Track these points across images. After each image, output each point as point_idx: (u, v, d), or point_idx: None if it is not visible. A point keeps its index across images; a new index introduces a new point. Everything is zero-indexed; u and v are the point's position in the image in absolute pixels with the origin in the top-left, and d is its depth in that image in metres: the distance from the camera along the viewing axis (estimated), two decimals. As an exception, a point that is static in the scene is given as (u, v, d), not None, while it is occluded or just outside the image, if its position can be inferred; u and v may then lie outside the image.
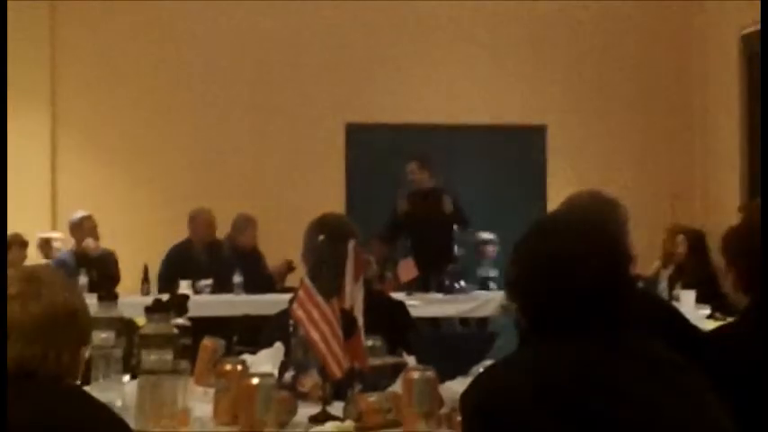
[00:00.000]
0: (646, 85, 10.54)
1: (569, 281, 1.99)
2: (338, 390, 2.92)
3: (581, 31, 10.45)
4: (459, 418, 2.18)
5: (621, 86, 10.51)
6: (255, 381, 2.64)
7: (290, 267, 8.62)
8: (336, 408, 2.84)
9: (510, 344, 3.24)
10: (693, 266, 7.77)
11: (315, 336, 2.82)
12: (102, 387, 2.79)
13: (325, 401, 2.84)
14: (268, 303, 6.30)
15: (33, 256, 8.49)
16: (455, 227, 8.73)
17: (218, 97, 10.09)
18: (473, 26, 10.36)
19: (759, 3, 7.59)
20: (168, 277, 8.17)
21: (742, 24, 9.41)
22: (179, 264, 8.37)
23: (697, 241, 7.99)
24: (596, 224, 2.15)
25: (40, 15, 9.84)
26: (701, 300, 6.92)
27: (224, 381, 2.86)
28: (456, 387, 2.70)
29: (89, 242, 8.42)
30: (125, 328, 2.96)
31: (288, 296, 3.80)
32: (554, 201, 9.52)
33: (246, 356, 3.13)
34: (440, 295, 8.35)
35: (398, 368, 2.98)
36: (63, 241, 8.77)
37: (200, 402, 2.91)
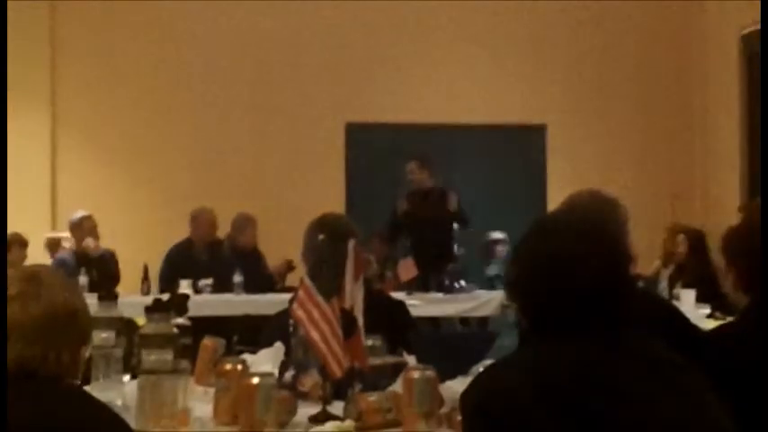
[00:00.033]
0: (646, 85, 10.54)
1: (569, 281, 1.99)
2: (338, 389, 2.92)
3: (581, 31, 10.45)
4: (459, 418, 2.18)
5: (621, 86, 10.52)
6: (256, 380, 2.64)
7: (290, 267, 8.62)
8: (336, 407, 2.84)
9: (510, 343, 3.25)
10: (693, 266, 7.77)
11: (315, 335, 2.82)
12: (102, 387, 2.79)
13: (326, 401, 2.84)
14: (268, 303, 6.31)
15: (37, 256, 8.47)
16: (455, 226, 8.74)
17: (218, 97, 10.09)
18: (473, 26, 10.36)
19: (759, 3, 7.59)
20: (169, 277, 8.18)
21: (742, 24, 9.41)
22: (180, 263, 8.38)
23: (697, 241, 7.99)
24: (596, 224, 2.15)
25: (40, 15, 9.84)
26: (701, 299, 6.93)
27: (224, 380, 2.86)
28: (456, 387, 2.71)
29: (89, 242, 8.42)
30: (125, 327, 2.96)
31: (288, 296, 3.80)
32: (554, 200, 9.52)
33: (247, 356, 3.13)
34: (440, 295, 8.36)
35: (399, 368, 2.98)
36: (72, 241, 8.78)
37: (200, 402, 2.91)
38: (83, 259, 8.34)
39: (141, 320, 2.79)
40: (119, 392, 2.83)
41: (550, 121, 10.53)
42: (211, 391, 2.94)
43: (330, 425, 2.69)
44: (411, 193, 8.82)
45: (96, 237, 8.51)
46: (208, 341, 3.37)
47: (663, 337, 2.08)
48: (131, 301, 4.75)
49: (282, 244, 7.95)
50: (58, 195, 9.87)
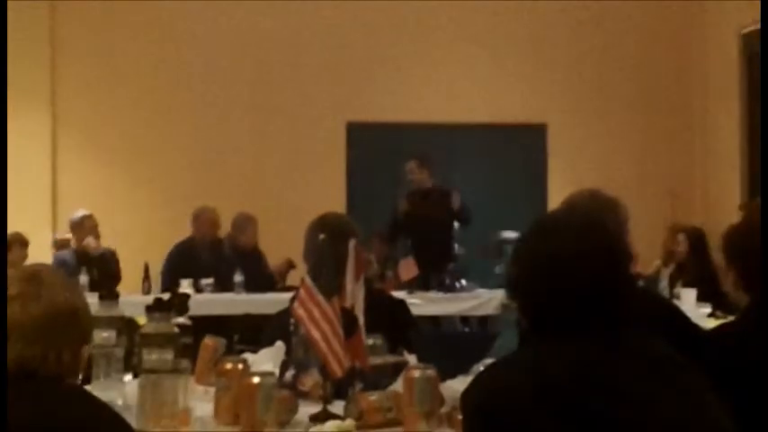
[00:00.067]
0: (646, 85, 10.54)
1: (569, 280, 1.99)
2: (339, 389, 2.93)
3: (581, 31, 10.45)
4: (459, 417, 2.18)
5: (621, 86, 10.51)
6: (256, 380, 2.64)
7: (290, 266, 8.63)
8: (337, 407, 2.84)
9: (510, 343, 3.25)
10: (694, 265, 7.78)
11: (316, 335, 2.83)
12: (102, 386, 2.79)
13: (326, 400, 2.84)
14: (269, 302, 6.31)
15: (37, 256, 8.47)
16: (456, 225, 8.74)
17: (218, 97, 10.09)
18: (473, 26, 10.36)
19: (759, 2, 7.59)
20: (171, 275, 8.18)
21: (742, 24, 9.41)
22: (182, 262, 8.39)
23: (697, 240, 8.00)
24: (596, 223, 2.14)
25: (40, 15, 9.84)
26: (701, 298, 6.93)
27: (225, 380, 2.86)
28: (457, 386, 2.70)
29: (90, 241, 8.42)
30: (126, 327, 2.96)
31: (288, 295, 3.81)
32: (554, 200, 9.53)
33: (247, 355, 3.13)
34: (440, 294, 8.37)
35: (399, 367, 2.99)
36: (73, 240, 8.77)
37: (200, 401, 2.92)
38: (83, 258, 8.34)
39: (142, 320, 2.79)
40: (119, 392, 2.83)
41: (551, 120, 10.54)
42: (212, 390, 2.94)
43: (331, 424, 2.69)
44: (411, 192, 8.82)
45: (97, 236, 8.51)
46: (208, 340, 3.38)
47: (663, 336, 2.08)
48: (132, 300, 4.74)
49: (283, 243, 7.94)
50: (59, 195, 9.87)
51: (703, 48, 10.34)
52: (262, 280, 8.40)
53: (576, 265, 2.00)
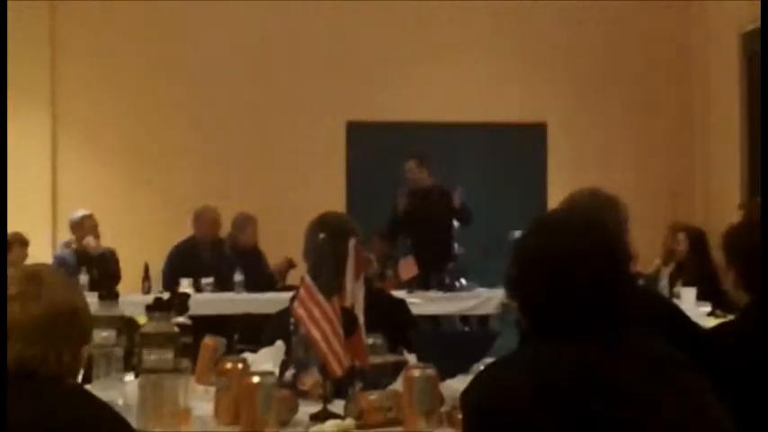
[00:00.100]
0: (646, 85, 10.54)
1: (569, 279, 1.99)
2: (339, 388, 2.93)
3: (581, 31, 10.45)
4: (459, 417, 2.18)
5: (621, 86, 10.51)
6: (256, 379, 2.64)
7: (290, 265, 8.64)
8: (337, 406, 2.84)
9: (510, 342, 3.24)
10: (694, 264, 7.78)
11: (315, 334, 2.83)
12: (103, 386, 2.79)
13: (326, 400, 2.84)
14: (269, 302, 6.32)
15: (38, 256, 8.46)
16: (456, 224, 8.75)
17: (218, 97, 10.09)
18: (473, 26, 10.36)
19: (759, 2, 7.59)
20: (172, 275, 8.19)
21: (742, 24, 9.41)
22: (183, 261, 8.40)
23: (697, 239, 8.00)
24: (597, 222, 2.14)
25: (40, 15, 9.84)
26: (701, 297, 6.93)
27: (225, 379, 2.86)
28: (457, 385, 2.70)
29: (90, 240, 8.43)
30: (126, 326, 2.97)
31: (289, 294, 3.81)
32: (554, 199, 9.53)
33: (247, 355, 3.13)
34: (440, 293, 8.37)
35: (399, 366, 2.99)
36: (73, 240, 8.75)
37: (201, 401, 2.92)
38: (83, 258, 8.35)
39: (142, 319, 2.79)
40: (120, 392, 2.83)
41: (550, 120, 10.54)
42: (212, 390, 2.94)
43: (331, 423, 2.69)
44: (411, 191, 8.82)
45: (97, 236, 8.52)
46: (208, 340, 3.38)
47: (663, 335, 2.08)
48: (132, 299, 4.76)
49: (283, 243, 7.95)
50: (59, 195, 9.88)
51: (703, 48, 10.34)
52: (262, 279, 8.41)
53: (576, 263, 1.99)
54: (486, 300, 8.33)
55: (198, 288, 7.98)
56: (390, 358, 3.13)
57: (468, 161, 10.25)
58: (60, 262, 8.21)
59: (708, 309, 6.59)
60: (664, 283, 8.02)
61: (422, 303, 7.62)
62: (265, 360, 3.12)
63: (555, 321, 2.00)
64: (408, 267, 8.58)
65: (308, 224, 3.70)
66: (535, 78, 10.44)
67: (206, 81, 10.07)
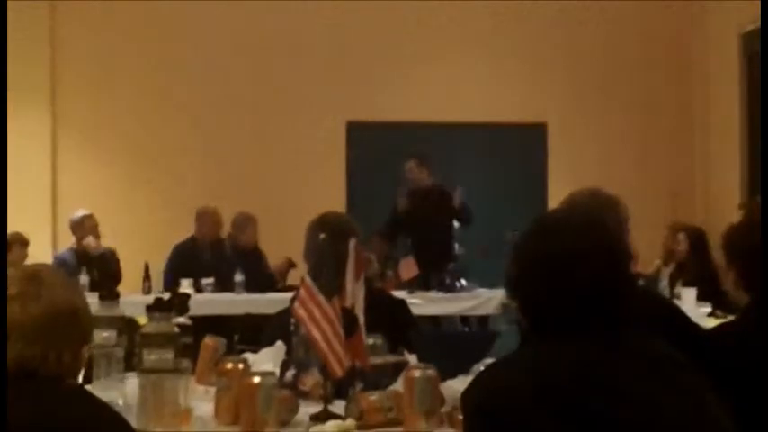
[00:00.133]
0: (646, 85, 10.54)
1: (569, 279, 1.99)
2: (339, 388, 2.92)
3: (581, 31, 10.45)
4: (460, 417, 2.18)
5: (621, 86, 10.51)
6: (257, 379, 2.64)
7: (290, 265, 8.64)
8: (338, 406, 2.84)
9: (510, 342, 3.25)
10: (694, 264, 7.78)
11: (316, 334, 2.83)
12: (103, 386, 2.79)
13: (327, 400, 2.84)
14: (269, 302, 6.32)
15: (38, 256, 8.47)
16: (456, 224, 8.74)
17: (219, 97, 10.09)
18: (473, 26, 10.36)
19: (759, 2, 7.59)
20: (173, 275, 8.19)
21: (742, 24, 9.41)
22: (184, 261, 8.40)
23: (698, 239, 8.00)
24: (597, 222, 2.14)
25: (40, 15, 9.84)
26: (701, 297, 6.93)
27: (225, 379, 2.86)
28: (457, 385, 2.70)
29: (90, 240, 8.43)
30: (126, 326, 2.97)
31: (289, 295, 3.81)
32: (554, 199, 9.53)
33: (248, 355, 3.13)
34: (441, 293, 8.37)
35: (399, 367, 2.99)
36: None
37: (201, 401, 2.92)
38: (83, 258, 8.35)
39: (142, 319, 2.79)
40: (120, 392, 2.83)
41: (550, 120, 10.54)
42: (212, 390, 2.94)
43: (331, 424, 2.69)
44: (411, 191, 8.82)
45: (97, 236, 8.51)
46: (209, 340, 3.38)
47: (663, 335, 2.08)
48: (132, 300, 4.76)
49: (283, 243, 7.95)
50: (59, 195, 9.87)
51: (703, 48, 10.34)
52: (262, 280, 8.41)
53: (576, 263, 1.99)
54: (486, 300, 8.33)
55: (198, 288, 7.98)
56: (391, 359, 3.13)
57: (468, 161, 10.24)
58: (60, 262, 8.21)
59: (708, 309, 6.59)
60: (664, 284, 8.02)
61: (422, 304, 7.62)
62: (266, 360, 3.12)
63: (555, 321, 2.00)
64: (408, 267, 8.58)
65: (308, 224, 3.70)
66: (535, 78, 10.44)
67: (206, 81, 10.07)
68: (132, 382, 2.84)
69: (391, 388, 2.88)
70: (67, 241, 8.79)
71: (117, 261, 8.54)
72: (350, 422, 2.70)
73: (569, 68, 10.45)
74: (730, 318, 3.08)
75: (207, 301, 7.60)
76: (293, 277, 8.51)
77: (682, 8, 10.51)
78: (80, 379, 2.21)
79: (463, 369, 2.98)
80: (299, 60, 10.17)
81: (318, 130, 10.18)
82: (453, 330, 8.55)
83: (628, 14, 10.47)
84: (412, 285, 8.35)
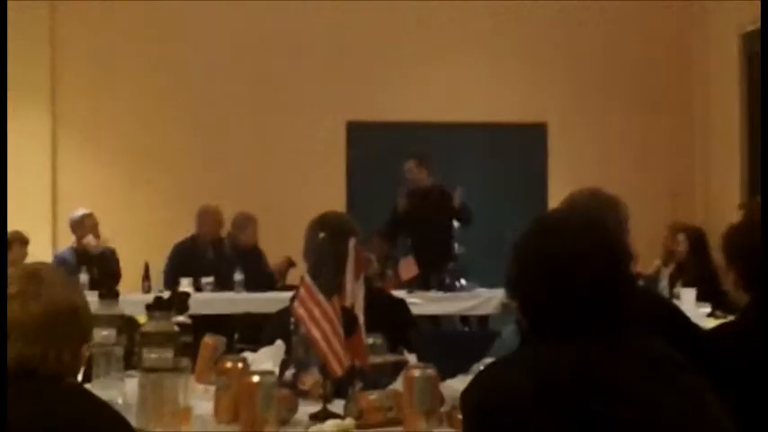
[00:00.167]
0: (646, 85, 10.54)
1: (569, 280, 1.99)
2: (339, 388, 2.93)
3: (581, 31, 10.45)
4: (459, 417, 2.18)
5: (621, 86, 10.51)
6: (256, 379, 2.64)
7: (290, 264, 8.64)
8: (337, 406, 2.84)
9: (510, 342, 3.24)
10: (694, 264, 7.78)
11: (316, 334, 2.83)
12: (103, 385, 2.79)
13: (326, 399, 2.84)
14: (269, 301, 6.32)
15: (38, 255, 8.47)
16: (456, 223, 8.75)
17: (219, 97, 10.09)
18: (473, 26, 10.36)
19: (759, 2, 7.59)
20: (174, 274, 8.20)
21: (742, 24, 9.41)
22: (184, 261, 8.41)
23: (697, 239, 8.00)
24: (597, 222, 2.14)
25: (40, 15, 9.83)
26: (701, 298, 6.93)
27: (225, 378, 2.86)
28: (457, 385, 2.70)
29: (90, 239, 8.44)
30: (126, 325, 2.97)
31: (289, 294, 3.82)
32: (554, 199, 9.53)
33: (247, 354, 3.14)
34: (440, 293, 8.38)
35: (399, 366, 2.99)
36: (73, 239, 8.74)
37: (200, 400, 2.92)
38: (83, 257, 8.35)
39: (142, 318, 2.80)
40: (120, 391, 2.83)
41: (550, 120, 10.54)
42: (212, 389, 2.94)
43: (331, 423, 2.69)
44: (411, 191, 8.83)
45: (97, 235, 8.52)
46: (208, 339, 3.38)
47: (663, 336, 2.08)
48: (132, 298, 4.76)
49: (283, 243, 7.95)
50: (59, 195, 9.87)
51: (703, 48, 10.34)
52: (262, 279, 8.42)
53: (576, 263, 1.99)
54: (486, 300, 8.34)
55: (198, 287, 7.99)
56: (390, 358, 3.13)
57: (468, 161, 10.24)
58: (60, 261, 8.22)
59: (708, 309, 6.59)
60: (664, 284, 8.02)
61: (422, 303, 7.63)
62: (265, 359, 3.12)
63: (555, 321, 2.00)
64: (408, 267, 8.58)
65: (308, 224, 3.70)
66: (535, 78, 10.44)
67: (206, 81, 10.07)
68: (132, 380, 2.85)
69: (391, 387, 2.88)
70: (67, 240, 8.81)
71: (117, 260, 8.56)
72: (349, 421, 2.70)
73: (569, 68, 10.45)
74: (730, 318, 3.08)
75: (207, 300, 7.61)
76: (293, 276, 8.51)
77: (682, 8, 10.51)
78: (80, 378, 2.21)
79: (463, 369, 2.98)
80: (299, 60, 10.16)
81: (318, 130, 10.18)
82: (453, 330, 8.55)
83: (628, 14, 10.47)
84: (412, 285, 8.35)
